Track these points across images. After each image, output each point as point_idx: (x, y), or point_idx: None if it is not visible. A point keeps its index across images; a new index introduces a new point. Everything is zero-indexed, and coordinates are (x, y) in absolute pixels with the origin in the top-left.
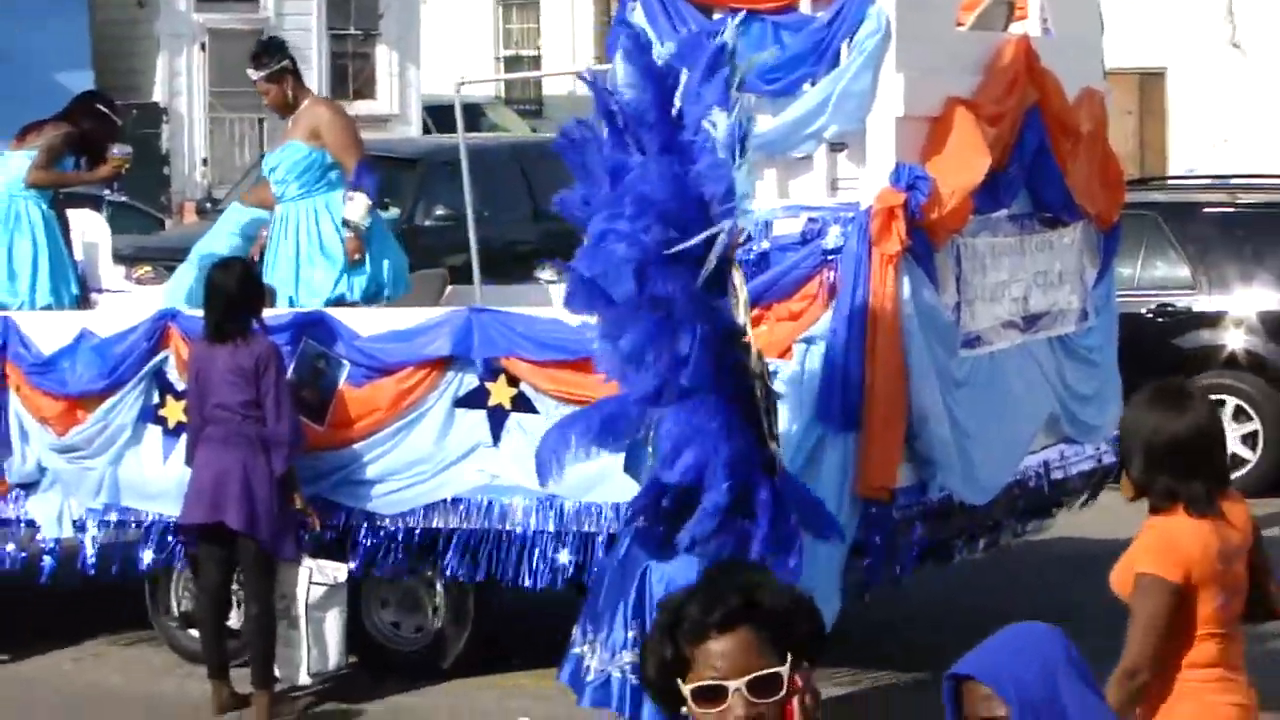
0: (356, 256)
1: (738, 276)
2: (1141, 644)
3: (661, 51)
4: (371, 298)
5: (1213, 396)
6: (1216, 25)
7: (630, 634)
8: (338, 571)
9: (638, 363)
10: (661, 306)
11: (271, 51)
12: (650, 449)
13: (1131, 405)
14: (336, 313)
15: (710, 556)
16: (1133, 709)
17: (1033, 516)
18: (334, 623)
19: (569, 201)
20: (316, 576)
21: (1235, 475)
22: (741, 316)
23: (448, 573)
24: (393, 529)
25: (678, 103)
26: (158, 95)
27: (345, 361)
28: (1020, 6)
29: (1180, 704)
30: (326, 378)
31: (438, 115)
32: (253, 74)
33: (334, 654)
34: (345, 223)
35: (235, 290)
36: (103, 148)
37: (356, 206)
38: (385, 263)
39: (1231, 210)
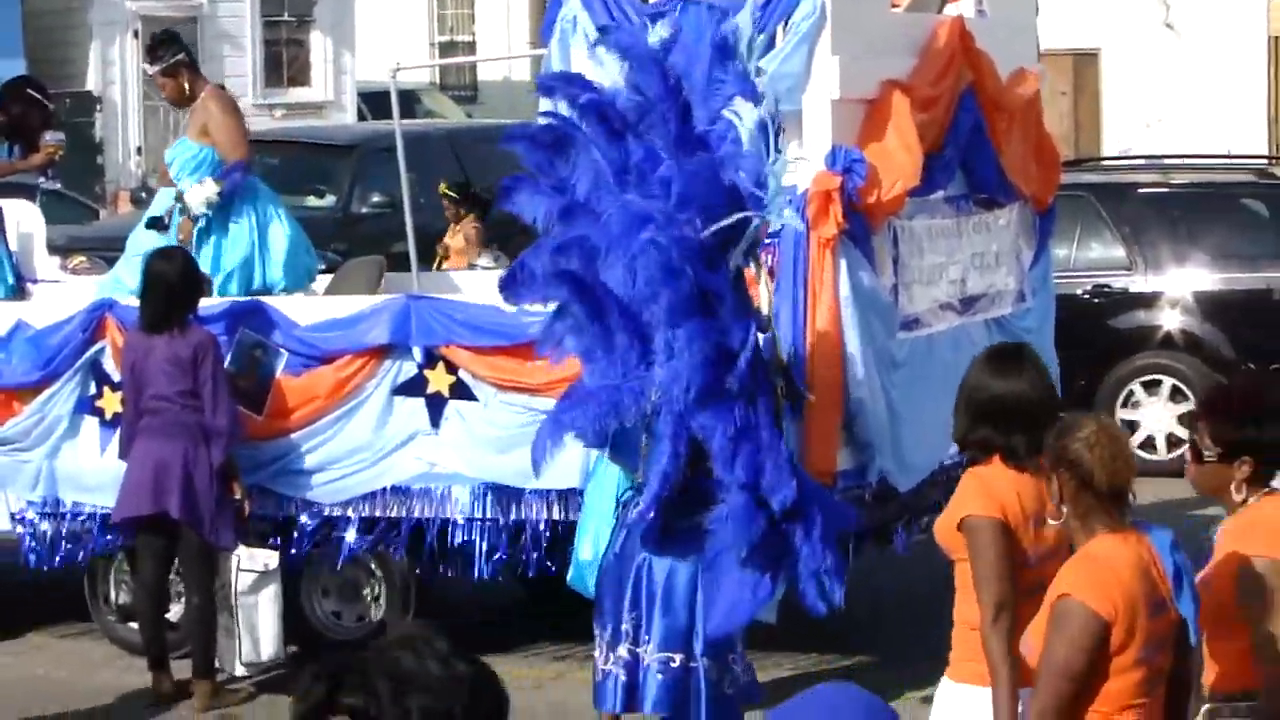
0: (181, 237)
1: (763, 273)
2: (996, 583)
3: (654, 39)
4: (257, 291)
5: (1149, 377)
6: (1150, 6)
7: (626, 627)
8: (268, 558)
9: (640, 356)
10: (706, 301)
11: (167, 44)
12: (645, 437)
13: (970, 365)
14: (274, 301)
15: (756, 561)
16: (1013, 647)
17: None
18: (267, 611)
19: (526, 187)
20: (245, 563)
21: (1172, 456)
22: (765, 310)
23: (392, 560)
24: (332, 517)
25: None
26: (91, 84)
27: (283, 350)
28: None
29: (980, 660)
30: (264, 367)
31: (373, 102)
32: (148, 68)
33: (268, 644)
34: (178, 196)
35: (176, 280)
36: (35, 134)
37: (196, 193)
38: (273, 254)
39: (1165, 191)
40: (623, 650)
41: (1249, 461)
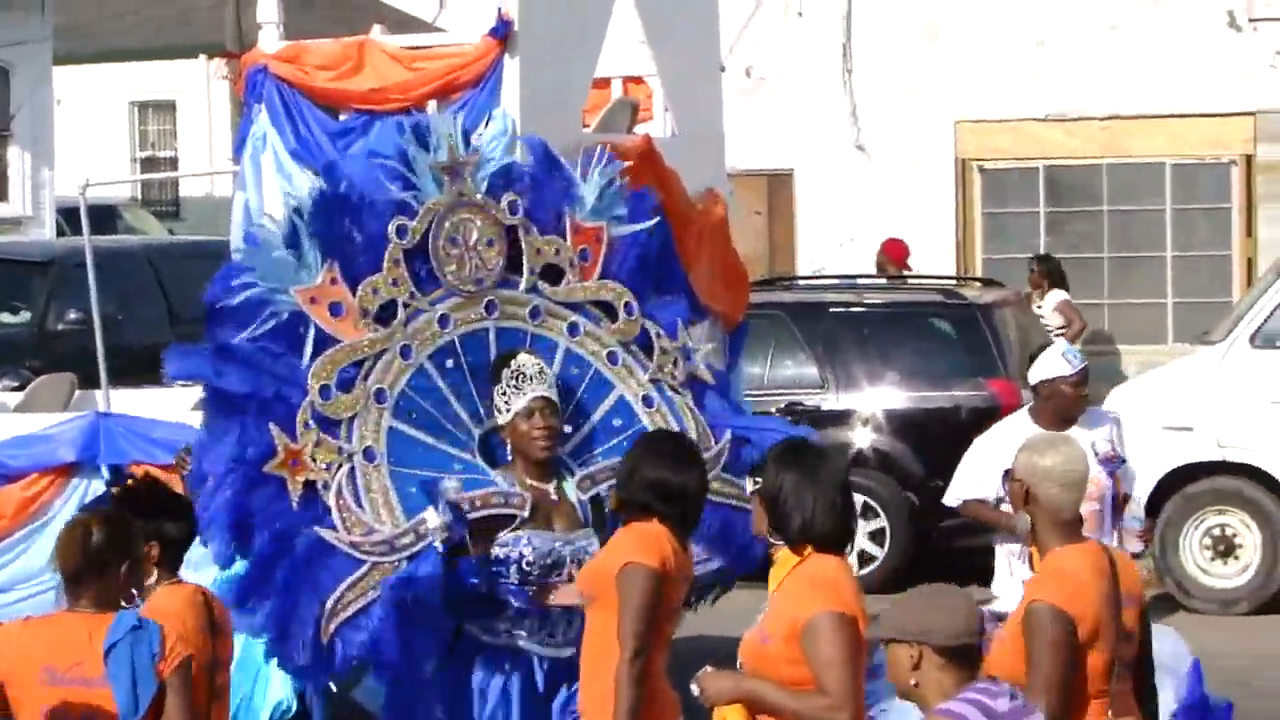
0: None
1: None
2: (635, 626)
3: None
4: None
5: None
6: (841, 128)
7: None
8: None
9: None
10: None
11: None
12: None
13: (637, 445)
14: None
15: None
16: (641, 688)
17: None
18: None
19: None
20: None
21: (864, 572)
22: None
23: None
24: None
25: None
26: None
27: None
28: (644, 108)
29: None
30: None
31: (72, 217)
32: None
33: None
34: None
35: None
36: None
37: None
38: None
39: (859, 310)
40: None
41: (156, 546)
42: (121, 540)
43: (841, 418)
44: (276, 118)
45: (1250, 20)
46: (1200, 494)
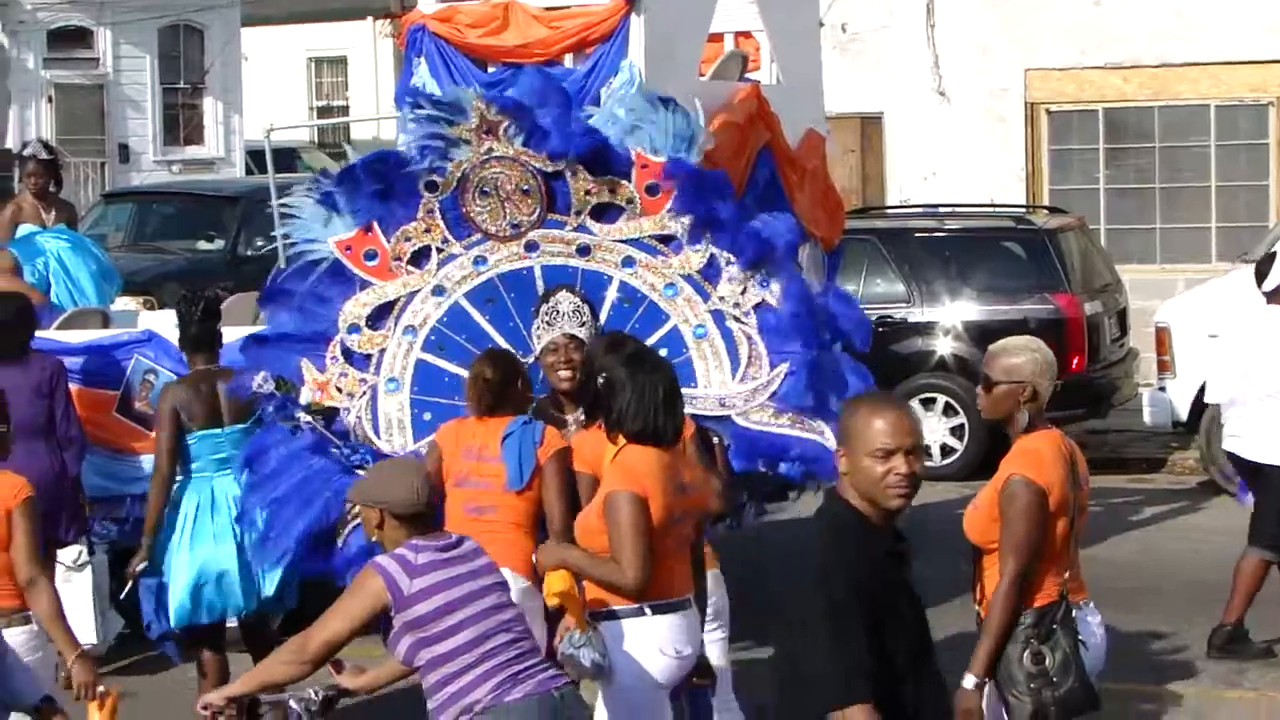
0: None
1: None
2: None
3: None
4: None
5: (926, 395)
6: (925, 76)
7: None
8: (79, 553)
9: None
10: None
11: None
12: None
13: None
14: (164, 332)
15: None
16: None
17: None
18: (80, 602)
19: None
20: (59, 557)
21: (946, 462)
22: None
23: None
24: None
25: None
26: (10, 143)
27: (171, 374)
28: (753, 60)
29: None
30: (155, 390)
31: (259, 158)
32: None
33: (84, 632)
34: None
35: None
36: None
37: None
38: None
39: (940, 235)
40: None
41: None
42: (510, 368)
43: (925, 328)
44: (435, 69)
45: None
46: None
